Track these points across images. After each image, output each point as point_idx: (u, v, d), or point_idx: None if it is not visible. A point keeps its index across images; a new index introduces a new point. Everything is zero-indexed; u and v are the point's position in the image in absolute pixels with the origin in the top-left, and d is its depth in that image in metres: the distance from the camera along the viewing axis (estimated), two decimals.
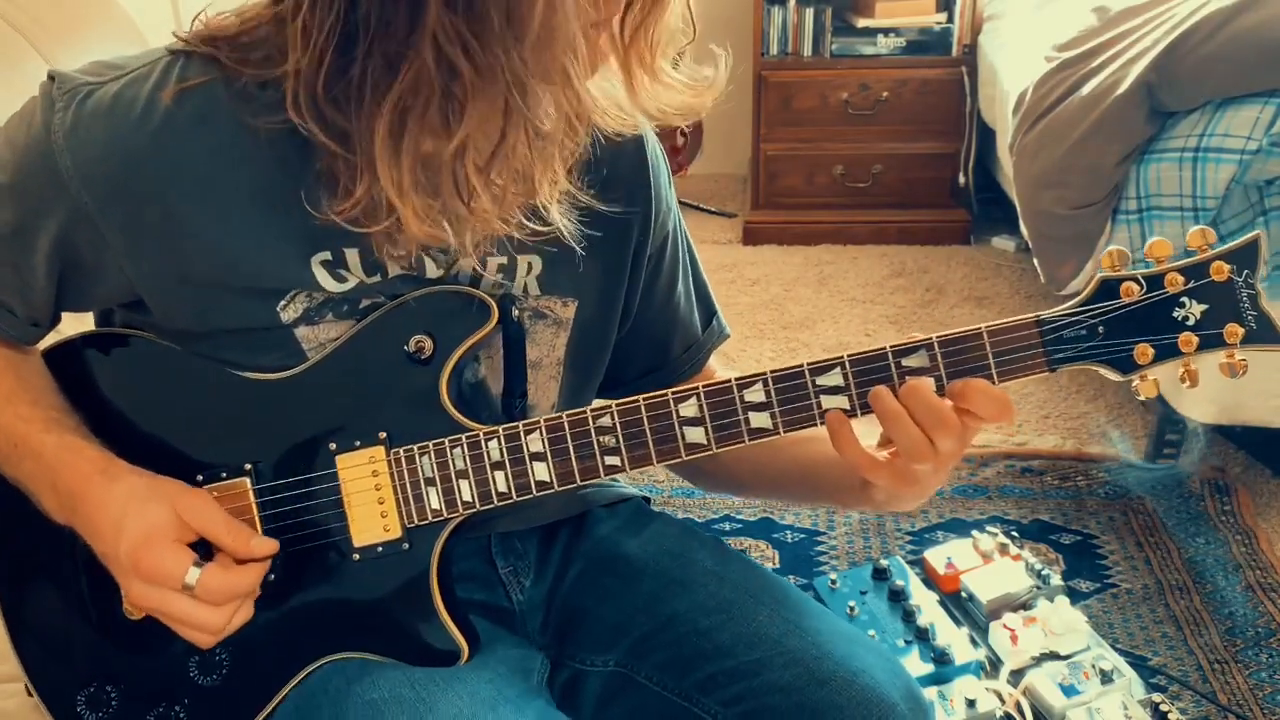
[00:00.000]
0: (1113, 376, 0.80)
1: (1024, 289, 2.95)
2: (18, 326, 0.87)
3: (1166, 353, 0.78)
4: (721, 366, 1.08)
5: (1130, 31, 2.14)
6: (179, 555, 0.78)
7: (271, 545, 0.82)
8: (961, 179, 3.23)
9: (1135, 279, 0.78)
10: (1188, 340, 0.78)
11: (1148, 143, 1.96)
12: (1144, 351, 0.78)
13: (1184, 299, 0.78)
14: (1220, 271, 0.77)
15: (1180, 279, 0.78)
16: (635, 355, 1.02)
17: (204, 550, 0.81)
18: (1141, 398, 0.80)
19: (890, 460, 0.81)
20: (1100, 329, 0.79)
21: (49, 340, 0.91)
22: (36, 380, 0.87)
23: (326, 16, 0.70)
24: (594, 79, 0.79)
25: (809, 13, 3.21)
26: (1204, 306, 0.78)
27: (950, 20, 3.19)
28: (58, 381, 0.88)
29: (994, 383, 0.80)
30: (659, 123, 0.85)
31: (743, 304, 2.91)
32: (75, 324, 0.93)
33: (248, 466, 0.85)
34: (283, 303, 0.83)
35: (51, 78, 0.81)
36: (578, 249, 0.87)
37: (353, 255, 0.83)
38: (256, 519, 0.85)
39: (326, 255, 0.83)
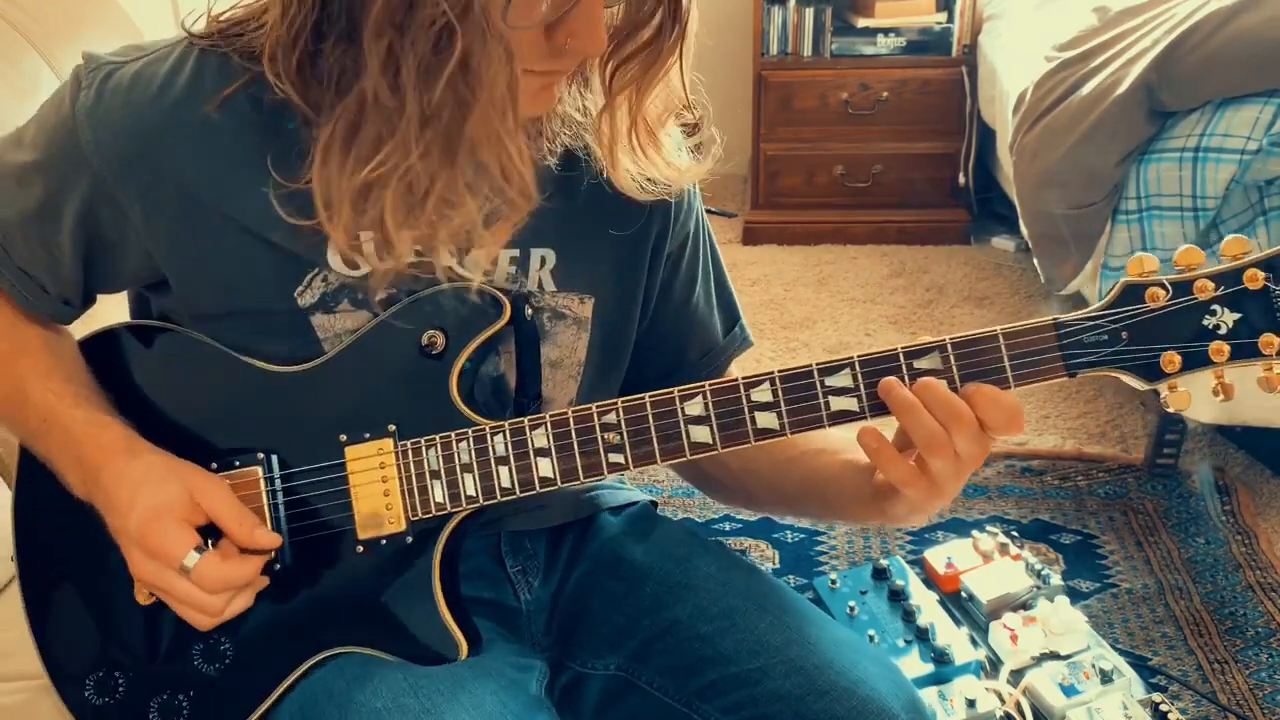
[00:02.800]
0: (1137, 385, 0.77)
1: (1024, 289, 2.95)
2: (50, 304, 0.90)
3: (1196, 361, 0.75)
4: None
5: (1130, 31, 2.14)
6: (182, 535, 0.79)
7: (274, 539, 0.83)
8: (961, 179, 3.23)
9: (1161, 284, 0.75)
10: (1219, 349, 0.74)
11: (1148, 143, 1.96)
12: (1171, 359, 0.75)
13: (1215, 306, 0.75)
14: (1255, 279, 0.74)
15: (1210, 286, 0.74)
16: (652, 357, 1.02)
17: (213, 536, 0.82)
18: (1171, 409, 0.77)
19: (925, 470, 0.79)
20: (1124, 334, 0.76)
21: (80, 332, 0.94)
22: (70, 361, 0.90)
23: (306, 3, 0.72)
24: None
25: (809, 13, 3.21)
26: (1237, 315, 0.74)
27: (950, 20, 3.19)
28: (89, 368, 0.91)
29: (1009, 387, 0.78)
30: (630, 193, 0.87)
31: (743, 304, 2.88)
32: (99, 319, 0.95)
33: (260, 455, 0.86)
34: (300, 287, 0.85)
35: (84, 59, 0.84)
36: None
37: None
38: (265, 507, 0.85)
39: None
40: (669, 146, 0.87)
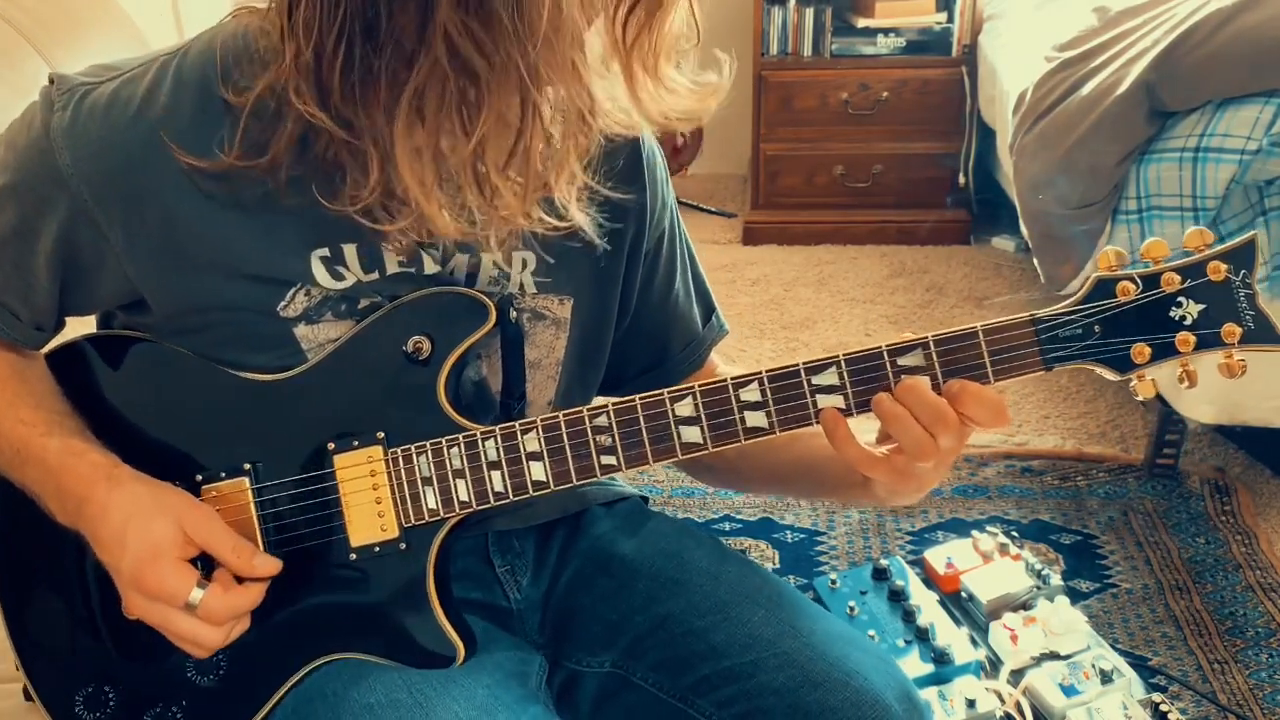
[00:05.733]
0: (1110, 376, 0.79)
1: (1024, 289, 2.95)
2: (21, 330, 0.87)
3: (1164, 352, 0.78)
4: (724, 363, 1.08)
5: (1130, 31, 2.14)
6: (182, 574, 0.78)
7: (274, 565, 0.83)
8: (961, 179, 3.23)
9: (1131, 278, 0.78)
10: (1185, 340, 0.78)
11: (1148, 143, 1.96)
12: (1141, 351, 0.78)
13: (1181, 298, 0.78)
14: (1217, 271, 0.77)
15: (1177, 279, 0.77)
16: (634, 353, 1.02)
17: (204, 561, 0.81)
18: (1140, 398, 0.80)
19: (888, 456, 0.81)
20: (1097, 328, 0.78)
21: (52, 344, 0.92)
22: (39, 385, 0.88)
23: (334, 11, 0.70)
24: (599, 81, 0.79)
25: (809, 13, 3.21)
26: (1201, 306, 0.77)
27: (950, 20, 3.19)
28: (60, 384, 0.89)
29: (989, 381, 0.79)
30: (662, 128, 0.85)
31: (743, 304, 2.91)
32: (74, 329, 0.93)
33: (247, 466, 0.85)
34: (283, 302, 0.84)
35: (52, 81, 0.82)
36: (599, 243, 0.88)
37: (350, 251, 0.84)
38: (255, 519, 0.85)
39: (325, 251, 0.83)
40: (679, 77, 0.84)
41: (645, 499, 1.11)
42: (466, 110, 0.71)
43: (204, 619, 0.79)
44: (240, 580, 0.81)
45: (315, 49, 0.71)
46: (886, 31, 3.20)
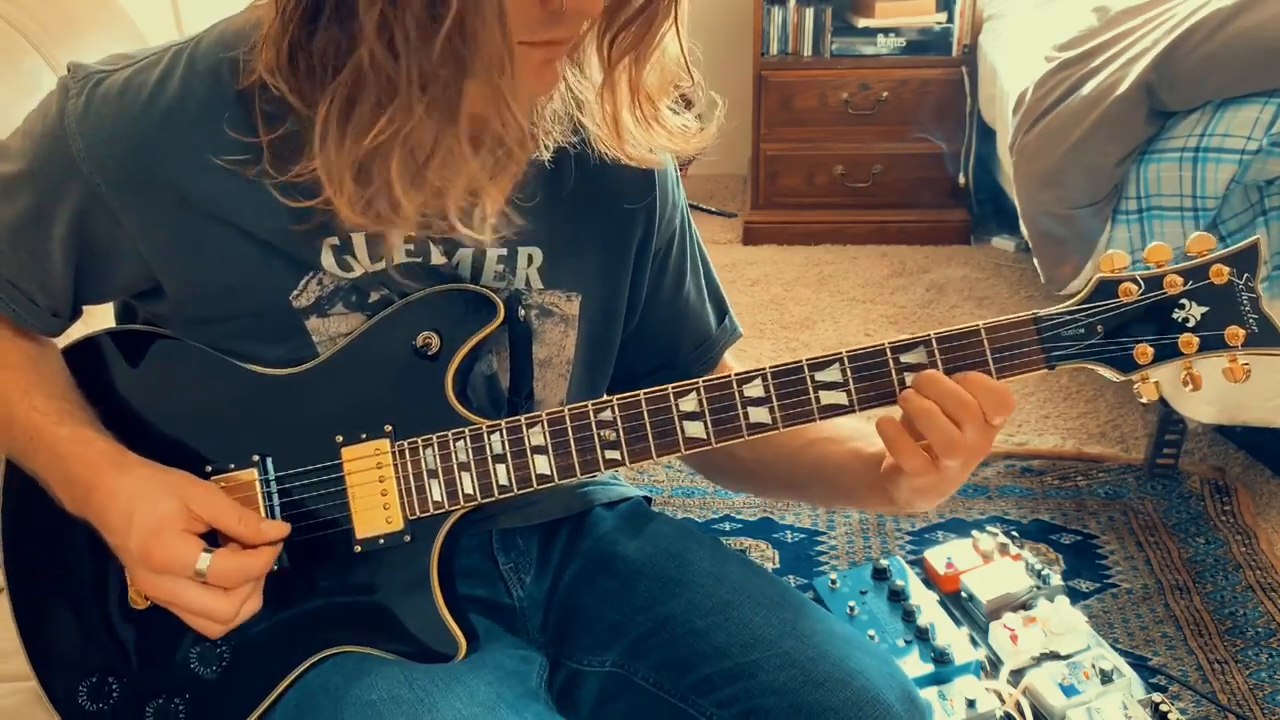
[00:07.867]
0: (1112, 376, 0.80)
1: (1024, 289, 2.95)
2: (39, 316, 0.89)
3: (1167, 353, 0.78)
4: (737, 364, 1.08)
5: (1130, 31, 2.14)
6: (188, 543, 0.79)
7: (282, 528, 0.83)
8: (961, 179, 3.23)
9: (1134, 279, 0.79)
10: (1188, 342, 0.78)
11: (1148, 143, 1.96)
12: (1144, 352, 0.78)
13: (1184, 300, 0.78)
14: (1220, 274, 0.77)
15: (1180, 281, 0.78)
16: (645, 353, 1.03)
17: (213, 542, 0.81)
18: (1144, 399, 0.80)
19: (935, 458, 0.80)
20: (1099, 328, 0.79)
21: (68, 337, 0.93)
22: (53, 374, 0.89)
23: None
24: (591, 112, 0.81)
25: (809, 13, 3.21)
26: (1204, 309, 0.78)
27: (950, 20, 3.19)
28: (76, 376, 0.90)
29: (993, 379, 0.80)
30: (644, 163, 0.86)
31: (743, 304, 2.91)
32: (87, 325, 0.94)
33: (255, 458, 0.86)
34: (296, 290, 0.85)
35: (69, 69, 0.83)
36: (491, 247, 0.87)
37: (359, 240, 0.84)
38: (263, 510, 0.85)
39: (335, 240, 0.84)
40: (670, 115, 0.86)
41: (649, 499, 1.11)
42: (380, 109, 0.71)
43: (214, 583, 0.79)
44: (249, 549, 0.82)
45: (283, 19, 0.73)
46: (886, 31, 3.20)
